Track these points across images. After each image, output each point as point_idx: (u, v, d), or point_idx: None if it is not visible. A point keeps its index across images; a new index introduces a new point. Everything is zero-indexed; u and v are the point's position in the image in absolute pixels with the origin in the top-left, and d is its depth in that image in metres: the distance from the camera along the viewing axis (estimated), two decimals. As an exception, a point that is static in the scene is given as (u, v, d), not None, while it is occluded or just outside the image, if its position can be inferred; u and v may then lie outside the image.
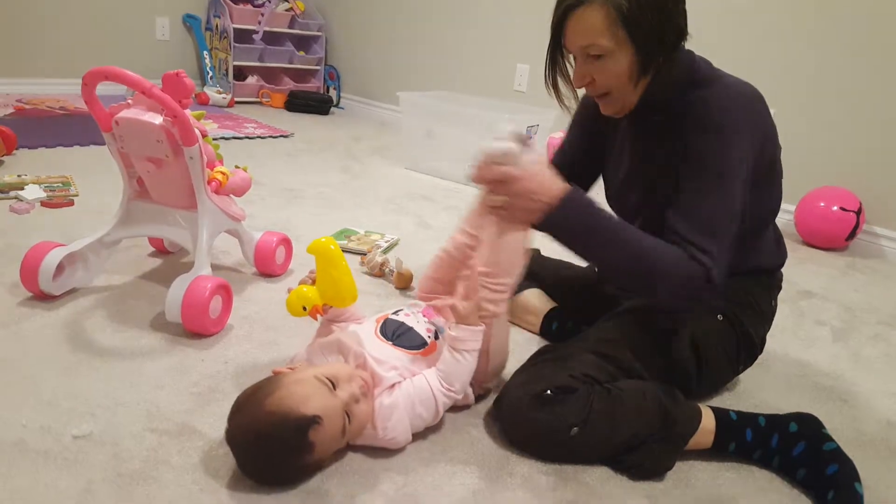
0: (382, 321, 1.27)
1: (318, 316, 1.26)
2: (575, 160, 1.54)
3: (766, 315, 1.41)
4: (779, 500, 1.14)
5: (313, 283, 1.25)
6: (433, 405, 1.17)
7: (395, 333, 1.24)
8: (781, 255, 1.43)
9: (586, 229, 1.20)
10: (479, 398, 1.34)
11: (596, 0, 1.16)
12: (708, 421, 1.21)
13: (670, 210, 1.21)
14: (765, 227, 1.37)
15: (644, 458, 1.15)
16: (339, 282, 1.22)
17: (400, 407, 1.13)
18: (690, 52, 1.26)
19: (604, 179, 1.52)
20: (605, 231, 1.20)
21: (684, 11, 1.21)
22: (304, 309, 1.22)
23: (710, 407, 1.24)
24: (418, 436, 1.20)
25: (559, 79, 1.30)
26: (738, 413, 1.24)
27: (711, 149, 1.18)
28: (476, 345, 1.20)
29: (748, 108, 1.21)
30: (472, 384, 1.28)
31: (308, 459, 1.04)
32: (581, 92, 1.34)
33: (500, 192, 1.21)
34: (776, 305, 1.43)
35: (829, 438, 1.19)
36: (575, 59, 1.25)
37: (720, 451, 1.21)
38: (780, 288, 1.43)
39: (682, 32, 1.21)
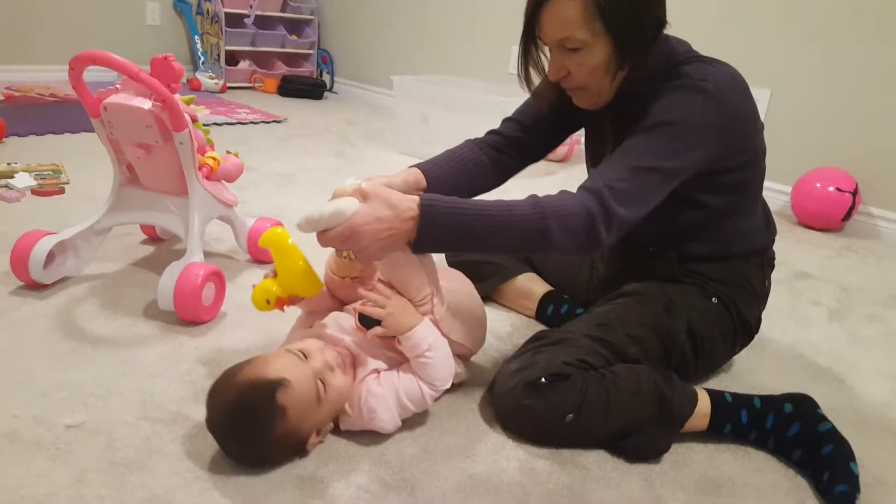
0: (358, 314, 1.22)
1: (285, 308, 1.21)
2: (544, 118, 1.45)
3: (760, 295, 1.40)
4: (775, 480, 1.14)
5: (275, 276, 1.20)
6: (420, 400, 1.15)
7: (373, 324, 1.21)
8: (771, 232, 1.42)
9: (459, 228, 1.09)
10: (474, 376, 1.33)
11: None
12: (703, 403, 1.21)
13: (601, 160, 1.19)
14: (755, 207, 1.36)
15: (640, 441, 1.15)
16: (297, 271, 1.16)
17: (388, 399, 1.12)
18: (666, 37, 1.23)
19: (587, 157, 1.48)
20: (477, 219, 1.09)
21: (663, 1, 1.18)
22: (268, 303, 1.17)
23: (706, 389, 1.24)
24: (414, 421, 1.20)
25: (531, 70, 1.27)
26: (734, 395, 1.24)
27: (663, 104, 1.15)
28: (426, 342, 1.13)
29: (718, 88, 1.16)
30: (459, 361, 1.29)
31: (283, 427, 1.02)
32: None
33: (347, 248, 1.13)
34: (770, 285, 1.42)
35: (824, 419, 1.19)
36: (550, 50, 1.22)
37: (716, 433, 1.21)
38: (772, 266, 1.42)
39: (660, 23, 1.18)
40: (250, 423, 1.02)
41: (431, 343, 1.14)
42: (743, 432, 1.21)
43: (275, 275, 1.20)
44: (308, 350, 1.10)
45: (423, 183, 1.35)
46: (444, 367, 1.17)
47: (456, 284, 1.34)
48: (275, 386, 1.01)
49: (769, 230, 1.41)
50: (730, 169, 1.25)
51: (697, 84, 1.16)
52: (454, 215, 1.09)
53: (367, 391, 1.12)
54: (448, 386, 1.19)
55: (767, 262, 1.41)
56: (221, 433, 1.05)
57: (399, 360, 1.18)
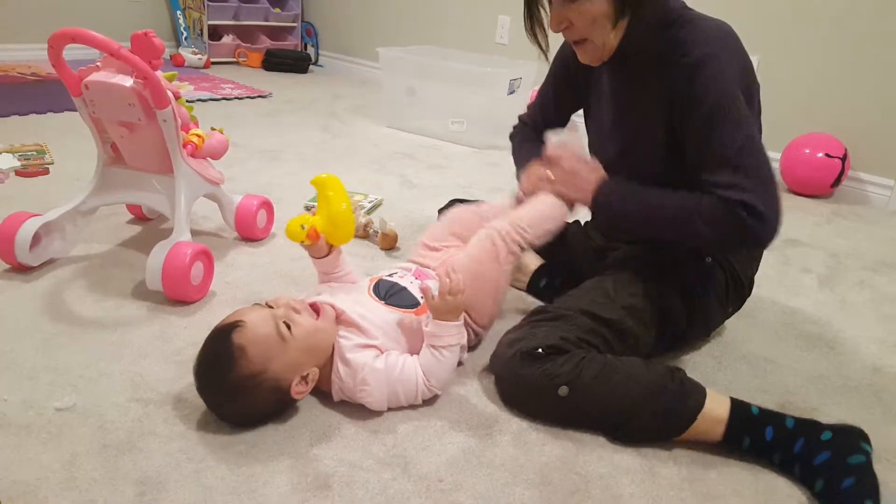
0: (376, 281, 1.30)
1: (311, 244, 1.26)
2: (548, 113, 1.56)
3: (753, 256, 1.41)
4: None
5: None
6: (414, 394, 1.16)
7: (388, 293, 1.26)
8: None
9: (626, 202, 1.26)
10: (471, 349, 1.34)
11: None
12: (720, 409, 1.11)
13: (697, 162, 1.20)
14: None
15: (639, 434, 1.12)
16: (338, 212, 1.23)
17: (381, 378, 1.12)
18: None
19: (587, 132, 1.50)
20: (641, 202, 1.25)
21: None
22: (303, 228, 1.22)
23: (731, 398, 1.13)
24: (407, 397, 1.20)
25: (537, 28, 1.28)
26: (762, 409, 1.12)
27: (701, 87, 1.16)
28: (454, 340, 1.17)
29: (725, 43, 1.20)
30: (469, 326, 1.32)
31: (248, 367, 1.04)
32: (558, 43, 1.32)
33: (555, 170, 1.35)
34: None
35: (862, 451, 1.05)
36: (550, 2, 1.23)
37: (733, 446, 1.11)
38: None
39: None
40: (215, 368, 1.06)
41: (452, 343, 1.17)
42: (765, 451, 1.09)
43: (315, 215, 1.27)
44: (275, 301, 1.14)
45: None
46: (446, 373, 1.18)
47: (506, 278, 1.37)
48: (230, 328, 1.06)
49: None
50: None
51: (707, 52, 1.17)
52: (629, 189, 1.27)
53: (368, 364, 1.12)
54: (439, 392, 1.20)
55: None
56: (200, 390, 1.09)
57: (404, 349, 1.21)
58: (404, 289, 1.29)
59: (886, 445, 1.19)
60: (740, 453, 1.12)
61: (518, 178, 1.49)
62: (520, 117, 1.66)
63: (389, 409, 1.16)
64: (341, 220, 1.24)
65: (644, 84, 1.26)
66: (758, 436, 1.10)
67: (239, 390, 1.05)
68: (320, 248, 1.28)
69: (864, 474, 1.02)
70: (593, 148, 1.48)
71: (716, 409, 1.11)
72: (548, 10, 1.25)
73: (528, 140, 1.58)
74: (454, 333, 1.17)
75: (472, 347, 1.36)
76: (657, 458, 1.10)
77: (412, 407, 1.18)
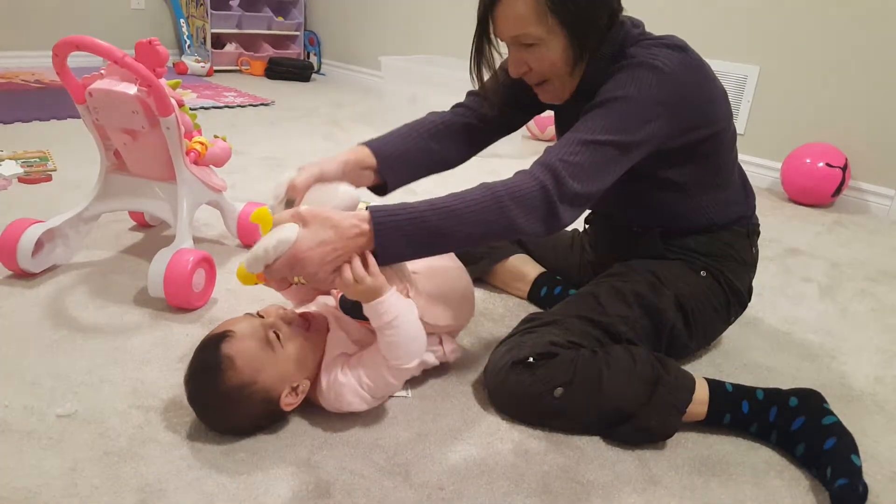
0: (340, 294, 1.22)
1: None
2: (509, 98, 1.39)
3: (748, 264, 1.40)
4: (768, 458, 1.15)
5: None
6: (384, 385, 1.12)
7: (354, 305, 1.18)
8: (750, 199, 1.41)
9: (418, 228, 1.05)
10: (467, 358, 1.33)
11: None
12: (701, 392, 1.17)
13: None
14: (729, 177, 1.34)
15: (636, 429, 1.13)
16: None
17: (350, 384, 1.11)
18: (621, 22, 1.21)
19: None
20: (433, 214, 1.05)
21: None
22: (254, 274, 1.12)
23: (706, 378, 1.21)
24: (408, 405, 1.20)
25: (484, 69, 1.27)
26: (735, 385, 1.20)
27: (616, 82, 1.13)
28: (392, 310, 1.06)
29: (670, 68, 1.14)
30: (441, 342, 1.28)
31: (237, 377, 1.03)
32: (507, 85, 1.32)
33: (296, 275, 1.05)
34: (757, 253, 1.42)
35: (830, 412, 1.14)
36: (508, 48, 1.22)
37: (715, 423, 1.18)
38: (757, 234, 1.42)
39: (613, 11, 1.18)
40: (203, 379, 1.06)
41: (397, 315, 1.07)
42: (744, 423, 1.18)
43: None
44: (266, 311, 1.15)
45: (370, 161, 1.28)
46: (409, 342, 1.10)
47: (435, 261, 1.30)
48: (219, 339, 1.06)
49: (748, 198, 1.40)
50: (691, 144, 1.22)
51: (647, 61, 1.14)
52: (407, 216, 1.04)
53: (334, 380, 1.11)
54: (412, 364, 1.11)
55: (753, 230, 1.40)
56: (190, 401, 1.09)
57: (368, 342, 1.16)
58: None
59: (889, 456, 1.18)
60: (720, 428, 1.19)
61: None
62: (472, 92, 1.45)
63: (391, 416, 1.16)
64: None
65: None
66: (736, 410, 1.18)
67: (228, 401, 1.04)
68: (280, 284, 1.18)
69: (842, 433, 1.11)
70: None
71: (700, 392, 1.17)
72: (499, 51, 1.24)
73: (421, 120, 1.41)
74: (384, 311, 1.06)
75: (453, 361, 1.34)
76: (657, 466, 1.10)
77: (413, 413, 1.18)
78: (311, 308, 1.24)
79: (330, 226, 1.01)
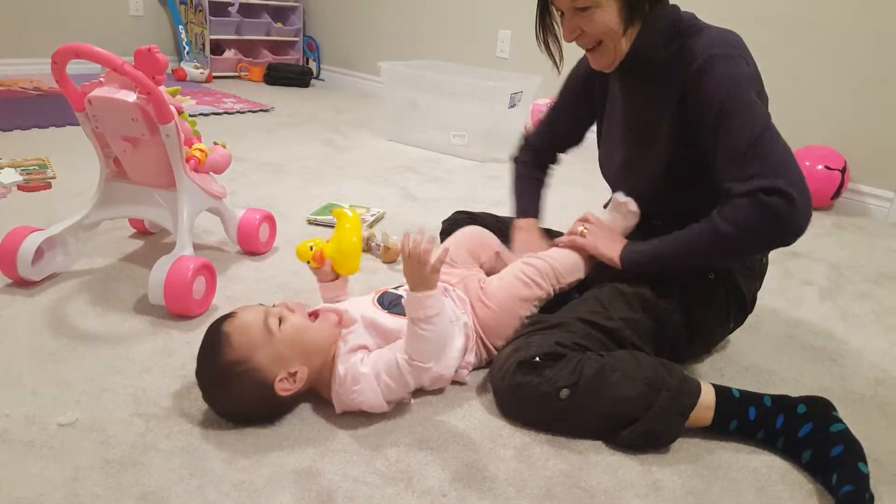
0: (381, 293, 1.31)
1: (316, 266, 1.32)
2: (559, 130, 1.61)
3: (757, 272, 1.41)
4: (771, 462, 1.15)
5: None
6: (398, 375, 1.13)
7: (392, 303, 1.27)
8: None
9: (654, 253, 1.29)
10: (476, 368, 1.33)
11: None
12: (707, 397, 1.16)
13: (716, 169, 1.21)
14: None
15: (640, 434, 1.13)
16: (348, 245, 1.31)
17: (369, 375, 1.13)
18: (675, 6, 1.28)
19: (598, 144, 1.53)
20: (669, 247, 1.26)
21: None
22: (311, 248, 1.31)
23: (712, 384, 1.19)
24: (410, 411, 1.20)
25: (550, 39, 1.33)
26: (742, 391, 1.19)
27: (710, 88, 1.19)
28: (431, 311, 1.11)
29: (733, 47, 1.22)
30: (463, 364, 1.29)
31: (232, 353, 1.07)
32: (570, 54, 1.36)
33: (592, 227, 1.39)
34: (767, 263, 1.43)
35: (838, 420, 1.13)
36: (562, 14, 1.27)
37: (721, 429, 1.17)
38: None
39: None
40: (204, 355, 1.12)
41: (434, 314, 1.12)
42: (750, 430, 1.17)
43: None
44: (280, 304, 1.19)
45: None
46: (434, 344, 1.14)
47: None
48: (223, 318, 1.13)
49: None
50: None
51: (715, 53, 1.20)
52: (645, 255, 1.31)
53: (353, 369, 1.13)
54: (429, 365, 1.14)
55: None
56: (197, 379, 1.14)
57: (388, 342, 1.20)
58: None
59: (891, 458, 1.18)
60: (727, 435, 1.18)
61: (515, 215, 1.62)
62: (525, 137, 1.69)
63: (393, 422, 1.16)
64: (349, 251, 1.31)
65: (653, 91, 1.29)
66: (743, 417, 1.17)
67: (223, 377, 1.08)
68: (325, 273, 1.34)
69: (849, 441, 1.10)
70: (603, 162, 1.51)
71: (706, 398, 1.16)
72: (558, 21, 1.29)
73: (527, 175, 1.67)
74: (430, 304, 1.11)
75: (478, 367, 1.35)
76: (661, 471, 1.10)
77: (416, 419, 1.17)
78: (340, 306, 1.27)
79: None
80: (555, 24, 1.31)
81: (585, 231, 1.40)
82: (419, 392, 1.25)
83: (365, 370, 1.13)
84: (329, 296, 1.37)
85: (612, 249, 1.35)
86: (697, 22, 1.27)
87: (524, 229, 1.55)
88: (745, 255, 1.32)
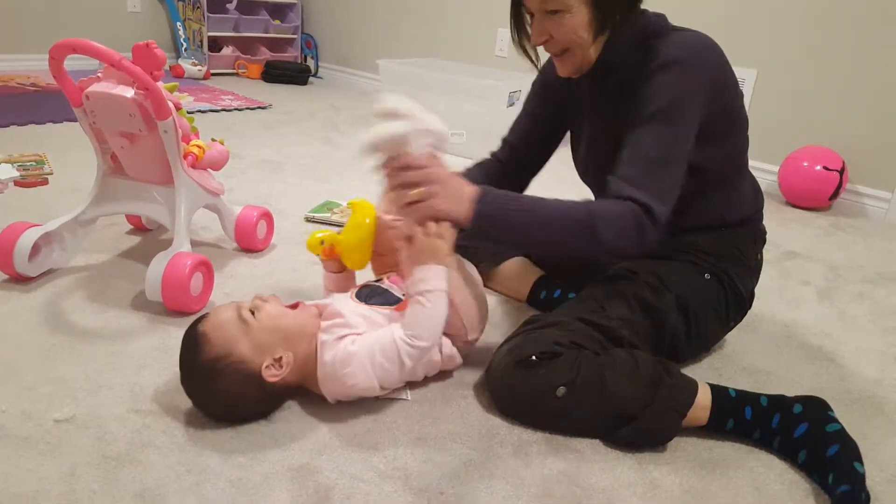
0: (358, 288, 1.30)
1: (326, 259, 1.36)
2: (531, 132, 1.56)
3: (753, 269, 1.41)
4: (769, 462, 1.15)
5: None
6: (395, 355, 1.13)
7: (369, 296, 1.27)
8: (759, 201, 1.43)
9: (517, 213, 1.17)
10: (467, 362, 1.33)
11: None
12: (704, 397, 1.16)
13: (621, 155, 1.21)
14: (742, 177, 1.38)
15: (638, 432, 1.13)
16: (359, 239, 1.31)
17: (360, 354, 1.12)
18: (644, 11, 1.27)
19: (571, 151, 1.52)
20: (531, 204, 1.18)
21: None
22: (322, 243, 1.33)
23: (708, 383, 1.19)
24: (407, 409, 1.20)
25: (525, 40, 1.32)
26: (738, 391, 1.19)
27: (656, 88, 1.19)
28: (438, 284, 1.16)
29: (699, 52, 1.22)
30: (454, 342, 1.28)
31: (212, 351, 1.07)
32: (544, 56, 1.36)
33: (412, 183, 1.14)
34: (762, 259, 1.43)
35: (834, 420, 1.13)
36: (532, 16, 1.26)
37: (717, 429, 1.17)
38: (764, 241, 1.44)
39: None
40: (186, 359, 1.11)
41: (435, 288, 1.15)
42: (747, 429, 1.17)
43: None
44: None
45: None
46: (432, 321, 1.16)
47: (471, 276, 1.35)
48: (196, 321, 1.12)
49: (756, 199, 1.42)
50: (716, 134, 1.26)
51: (676, 57, 1.19)
52: (508, 199, 1.18)
53: (342, 351, 1.12)
54: (427, 344, 1.15)
55: (760, 237, 1.42)
56: (183, 386, 1.13)
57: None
58: (386, 290, 1.28)
59: (889, 458, 1.18)
60: (723, 434, 1.18)
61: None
62: (502, 138, 1.63)
63: (391, 419, 1.16)
64: (359, 245, 1.32)
65: (621, 97, 1.27)
66: (739, 416, 1.17)
67: (209, 377, 1.07)
68: (332, 264, 1.38)
69: (845, 440, 1.10)
70: (578, 163, 1.50)
71: (702, 397, 1.16)
72: (527, 19, 1.29)
73: (487, 163, 1.61)
74: (437, 276, 1.16)
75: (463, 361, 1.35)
76: (658, 470, 1.10)
77: (413, 417, 1.17)
78: (322, 301, 1.27)
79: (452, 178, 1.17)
80: (527, 25, 1.30)
81: (420, 194, 1.14)
82: (417, 389, 1.25)
83: (354, 349, 1.12)
84: (334, 288, 1.38)
85: (459, 202, 1.15)
86: (666, 24, 1.27)
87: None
88: (592, 250, 1.20)
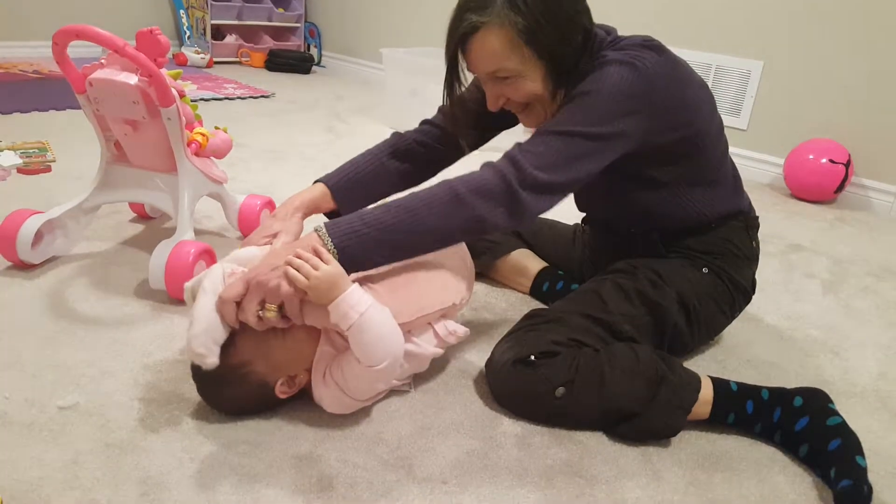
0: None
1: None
2: (476, 115, 1.37)
3: (749, 258, 1.39)
4: (772, 454, 1.14)
5: None
6: (363, 385, 1.08)
7: None
8: (739, 193, 1.39)
9: (375, 229, 1.06)
10: (469, 351, 1.32)
11: (492, 23, 1.12)
12: (706, 391, 1.16)
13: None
14: (721, 175, 1.34)
15: (641, 429, 1.12)
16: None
17: (335, 395, 1.09)
18: (595, 33, 1.20)
19: None
20: (389, 215, 1.07)
21: (586, 8, 1.17)
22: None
23: (710, 377, 1.19)
24: (411, 399, 1.20)
25: (459, 112, 1.29)
26: (739, 384, 1.18)
27: (588, 82, 1.13)
28: (359, 306, 1.01)
29: (639, 55, 1.13)
30: (449, 314, 1.24)
31: (235, 356, 1.05)
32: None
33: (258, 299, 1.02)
34: (758, 245, 1.41)
35: (835, 413, 1.12)
36: (484, 83, 1.21)
37: (719, 422, 1.17)
38: (757, 227, 1.41)
39: (587, 31, 1.17)
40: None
41: (365, 310, 1.01)
42: (748, 423, 1.16)
43: None
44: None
45: (327, 204, 1.34)
46: (381, 340, 1.03)
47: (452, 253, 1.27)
48: None
49: (738, 191, 1.38)
50: (674, 141, 1.21)
51: (619, 59, 1.13)
52: (361, 221, 1.07)
53: (318, 391, 1.11)
54: (383, 366, 1.04)
55: (752, 223, 1.39)
56: (193, 375, 1.10)
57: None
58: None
59: (892, 452, 1.18)
60: (724, 427, 1.18)
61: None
62: (441, 109, 1.45)
63: (394, 409, 1.16)
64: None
65: None
66: (740, 410, 1.16)
67: (226, 379, 1.06)
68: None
69: (846, 434, 1.09)
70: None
71: (704, 391, 1.16)
72: (465, 83, 1.24)
73: (375, 148, 1.42)
74: (353, 305, 1.01)
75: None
76: (661, 462, 1.10)
77: (416, 406, 1.17)
78: None
79: (280, 246, 1.10)
80: (461, 86, 1.24)
81: (271, 314, 1.03)
82: (419, 379, 1.25)
83: (324, 392, 1.09)
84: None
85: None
86: (617, 39, 1.21)
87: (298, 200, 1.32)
88: (471, 224, 1.10)
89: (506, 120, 1.38)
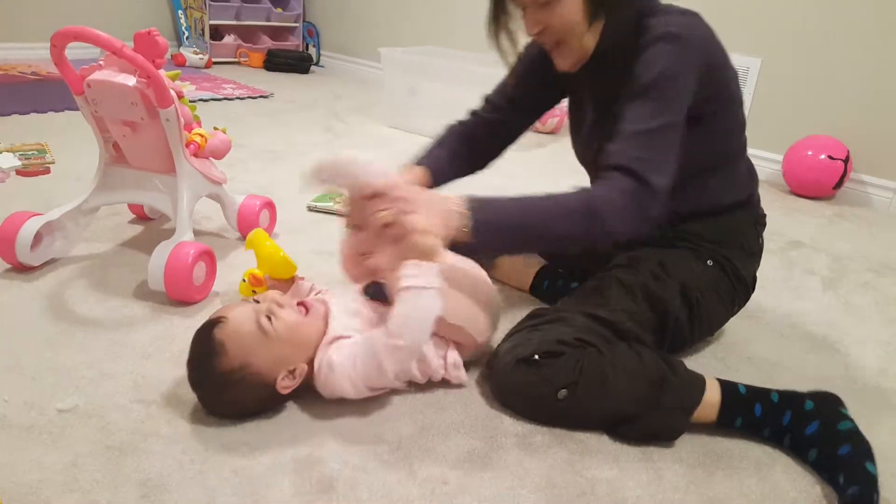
0: (369, 283, 1.27)
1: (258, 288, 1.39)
2: (521, 95, 1.49)
3: (754, 254, 1.40)
4: (772, 452, 1.14)
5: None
6: (375, 362, 1.08)
7: (376, 293, 1.24)
8: (754, 184, 1.41)
9: (513, 211, 1.13)
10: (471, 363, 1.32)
11: None
12: (713, 393, 1.14)
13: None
14: (737, 157, 1.36)
15: (643, 432, 1.12)
16: (274, 258, 1.37)
17: (344, 365, 1.09)
18: None
19: (571, 134, 1.50)
20: (524, 205, 1.13)
21: None
22: (244, 280, 1.42)
23: (718, 379, 1.17)
24: (411, 399, 1.19)
25: (502, 36, 1.31)
26: (748, 387, 1.16)
27: (647, 61, 1.16)
28: (425, 281, 1.06)
29: (689, 27, 1.19)
30: (462, 351, 1.25)
31: (229, 362, 1.05)
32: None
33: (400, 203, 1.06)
34: (763, 243, 1.42)
35: (847, 418, 1.10)
36: (524, 9, 1.23)
37: (726, 426, 1.15)
38: (764, 224, 1.42)
39: None
40: (199, 365, 1.08)
41: (420, 284, 1.06)
42: (756, 427, 1.14)
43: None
44: (262, 296, 1.16)
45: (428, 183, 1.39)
46: (421, 320, 1.07)
47: (466, 266, 1.30)
48: (212, 325, 1.08)
49: (752, 181, 1.41)
50: (708, 114, 1.24)
51: (666, 32, 1.16)
52: (498, 199, 1.13)
53: (328, 359, 1.11)
54: (402, 343, 1.06)
55: (759, 220, 1.41)
56: (191, 386, 1.11)
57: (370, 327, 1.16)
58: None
59: (894, 449, 1.18)
60: (732, 431, 1.16)
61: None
62: (485, 98, 1.55)
63: (394, 409, 1.15)
64: (280, 263, 1.37)
65: (620, 82, 1.23)
66: (748, 414, 1.14)
67: (224, 385, 1.06)
68: (278, 287, 1.37)
69: (857, 439, 1.07)
70: (578, 150, 1.48)
71: (711, 394, 1.14)
72: (511, 13, 1.26)
73: (449, 135, 1.52)
74: (424, 273, 1.06)
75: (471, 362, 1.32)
76: (662, 461, 1.10)
77: (417, 407, 1.17)
78: (325, 296, 1.25)
79: (430, 193, 1.11)
80: (508, 22, 1.27)
81: (389, 217, 1.06)
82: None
83: (337, 359, 1.10)
84: (303, 295, 1.33)
85: (448, 215, 1.08)
86: (660, 5, 1.24)
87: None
88: (598, 236, 1.14)
89: (551, 98, 1.48)
